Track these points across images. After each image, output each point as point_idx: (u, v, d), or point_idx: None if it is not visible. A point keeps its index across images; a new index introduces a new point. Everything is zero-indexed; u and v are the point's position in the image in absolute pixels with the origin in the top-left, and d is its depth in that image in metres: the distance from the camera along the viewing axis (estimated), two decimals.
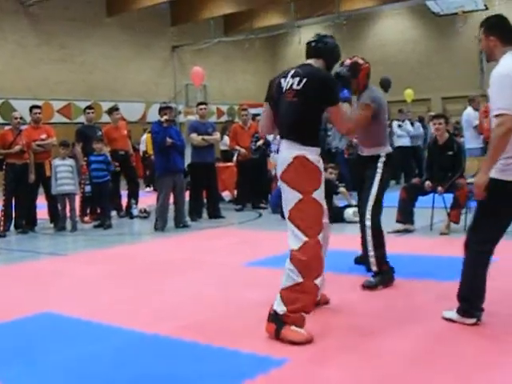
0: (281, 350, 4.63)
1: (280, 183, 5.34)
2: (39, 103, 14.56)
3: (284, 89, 5.33)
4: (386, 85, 18.91)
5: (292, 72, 5.36)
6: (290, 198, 5.24)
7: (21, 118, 12.36)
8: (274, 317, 5.03)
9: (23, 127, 12.44)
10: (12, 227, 12.17)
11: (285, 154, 5.24)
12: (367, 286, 6.48)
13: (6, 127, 12.47)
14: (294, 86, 5.25)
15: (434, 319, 5.34)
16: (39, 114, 12.63)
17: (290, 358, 4.46)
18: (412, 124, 19.20)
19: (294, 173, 5.16)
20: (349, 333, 5.12)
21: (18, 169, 11.95)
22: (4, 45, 23.36)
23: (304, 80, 5.22)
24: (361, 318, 5.53)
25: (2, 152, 11.73)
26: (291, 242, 5.20)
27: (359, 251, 7.27)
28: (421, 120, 20.58)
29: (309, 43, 5.64)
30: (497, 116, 4.73)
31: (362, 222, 6.83)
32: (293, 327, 4.91)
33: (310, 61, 5.52)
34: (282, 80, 5.38)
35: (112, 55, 27.79)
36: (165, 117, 11.84)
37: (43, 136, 12.41)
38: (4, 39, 23.35)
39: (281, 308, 4.99)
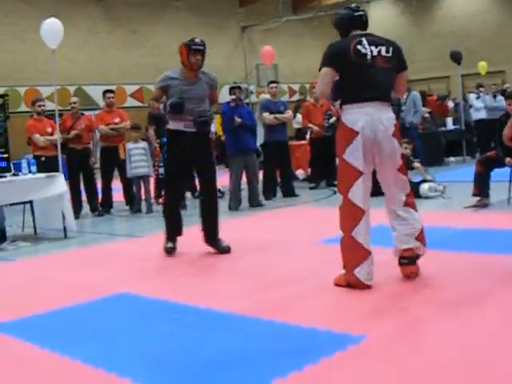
0: (358, 327, 4.58)
1: (388, 139, 5.71)
2: (112, 88, 14.67)
3: (369, 55, 5.67)
4: (456, 58, 18.57)
5: (366, 40, 5.72)
6: (398, 156, 5.82)
7: (74, 103, 12.60)
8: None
9: (86, 112, 12.64)
10: (88, 210, 12.35)
11: (387, 113, 5.78)
12: None
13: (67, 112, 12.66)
14: (383, 53, 5.74)
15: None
16: (112, 98, 12.77)
17: (367, 334, 4.41)
18: (494, 96, 18.74)
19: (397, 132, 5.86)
20: (428, 306, 5.04)
21: (79, 153, 12.19)
22: (75, 32, 23.57)
23: (391, 48, 5.80)
24: (440, 292, 5.44)
25: (63, 137, 11.91)
26: (401, 192, 5.84)
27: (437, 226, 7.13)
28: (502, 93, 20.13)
29: (362, 15, 5.97)
30: None
31: None
32: None
33: (366, 31, 5.92)
34: (359, 47, 5.65)
35: (182, 38, 27.49)
36: (232, 97, 11.86)
37: (117, 120, 12.55)
38: (75, 26, 23.57)
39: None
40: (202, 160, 7.95)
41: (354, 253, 5.66)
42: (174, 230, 8.08)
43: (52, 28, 10.73)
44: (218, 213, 8.05)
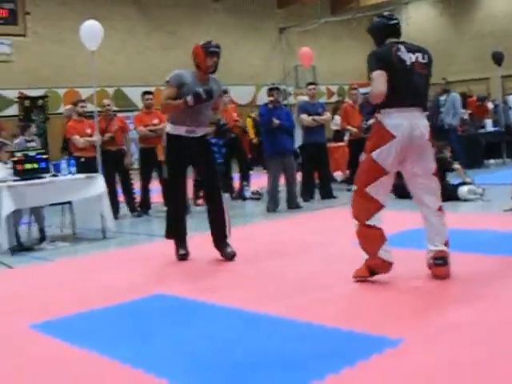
0: (396, 331, 4.55)
1: (424, 145, 5.99)
2: (150, 89, 14.75)
3: (408, 61, 5.89)
4: (498, 58, 18.40)
5: (404, 47, 5.95)
6: (433, 161, 6.11)
7: (108, 106, 12.75)
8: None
9: (124, 114, 12.75)
10: (127, 211, 12.43)
11: (424, 120, 6.03)
12: None
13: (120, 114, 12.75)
14: (421, 60, 5.98)
15: None
16: (151, 99, 12.86)
17: (405, 338, 4.38)
18: None
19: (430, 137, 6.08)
20: (467, 310, 5.00)
21: (113, 155, 12.29)
22: (114, 34, 23.70)
23: (426, 55, 6.04)
24: (478, 296, 5.39)
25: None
26: (434, 196, 6.09)
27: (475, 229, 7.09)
28: None
29: (396, 23, 6.20)
30: None
31: None
32: None
33: (401, 39, 6.14)
34: (399, 53, 5.88)
35: (220, 39, 27.38)
36: (269, 98, 11.88)
37: (155, 121, 12.61)
38: (114, 29, 23.71)
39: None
40: (203, 163, 7.89)
41: (373, 237, 6.00)
42: (182, 235, 8.04)
43: (91, 30, 10.84)
44: (226, 216, 7.92)
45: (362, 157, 6.19)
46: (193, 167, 8.28)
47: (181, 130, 7.59)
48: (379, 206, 6.02)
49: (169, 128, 7.72)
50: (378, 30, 6.20)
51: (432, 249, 6.03)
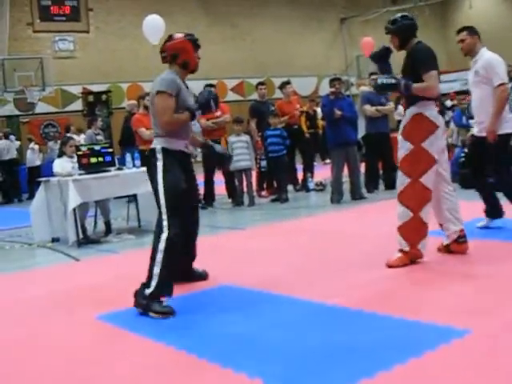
0: (463, 321, 4.49)
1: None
2: (213, 82, 14.80)
3: None
4: None
5: None
6: None
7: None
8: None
9: None
10: None
11: None
12: None
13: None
14: None
15: None
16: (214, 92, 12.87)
17: (472, 329, 4.32)
18: None
19: None
20: None
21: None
22: (175, 28, 23.63)
23: None
24: None
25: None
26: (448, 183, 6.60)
27: None
28: None
29: (416, 24, 6.71)
30: None
31: None
32: None
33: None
34: None
35: (282, 31, 27.92)
36: (331, 89, 11.83)
37: (217, 113, 12.63)
38: (175, 23, 23.79)
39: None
40: (193, 187, 6.77)
41: (420, 230, 6.33)
42: (172, 277, 5.76)
43: (153, 24, 10.94)
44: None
45: (406, 147, 6.39)
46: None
47: (180, 145, 6.04)
48: (431, 196, 6.35)
49: (163, 142, 5.94)
50: (409, 29, 6.62)
51: (455, 229, 6.54)
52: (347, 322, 4.83)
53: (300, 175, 14.24)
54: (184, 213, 5.91)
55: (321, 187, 13.64)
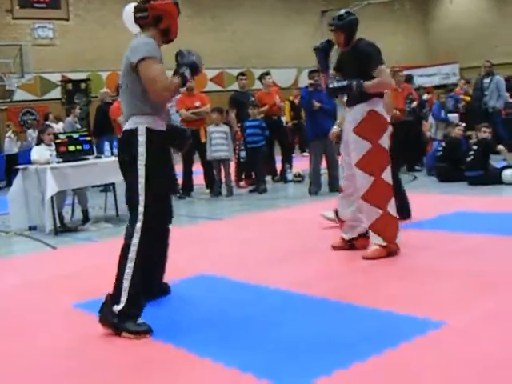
0: (439, 314, 4.52)
1: None
2: None
3: None
4: None
5: None
6: None
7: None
8: None
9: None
10: None
11: None
12: None
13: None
14: None
15: None
16: (192, 82, 12.86)
17: (448, 321, 4.35)
18: None
19: None
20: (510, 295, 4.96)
21: None
22: None
23: None
24: None
25: None
26: None
27: None
28: None
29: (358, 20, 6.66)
30: None
31: None
32: None
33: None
34: None
35: (263, 22, 27.92)
36: (310, 81, 11.85)
37: (197, 103, 12.64)
38: None
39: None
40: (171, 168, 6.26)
41: (393, 224, 6.41)
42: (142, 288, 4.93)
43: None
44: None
45: (364, 145, 6.39)
46: None
47: (161, 125, 5.14)
48: (392, 191, 6.47)
49: (147, 121, 4.97)
50: (355, 25, 6.57)
51: (365, 224, 6.57)
52: (324, 312, 4.85)
53: (279, 166, 14.26)
54: (162, 208, 5.23)
55: (299, 179, 13.67)
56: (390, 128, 6.67)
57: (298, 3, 28.87)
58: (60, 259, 7.93)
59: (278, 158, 14.30)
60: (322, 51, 6.79)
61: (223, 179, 12.49)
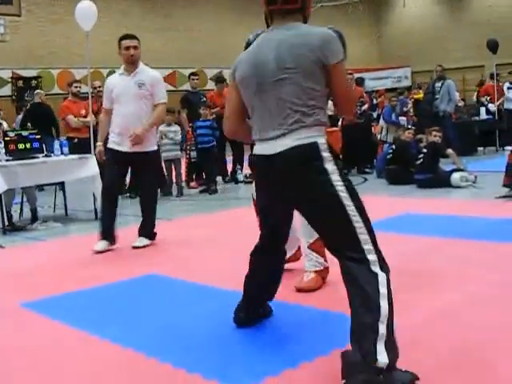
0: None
1: None
2: None
3: None
4: (493, 46, 18.45)
5: None
6: None
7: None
8: None
9: None
10: None
11: None
12: None
13: None
14: None
15: None
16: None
17: (396, 322, 4.40)
18: None
19: None
20: (454, 296, 5.03)
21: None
22: (109, 14, 23.64)
23: None
24: (468, 282, 5.42)
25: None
26: None
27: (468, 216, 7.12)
28: None
29: None
30: None
31: None
32: None
33: None
34: None
35: (216, 22, 27.92)
36: None
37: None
38: (109, 8, 23.66)
39: None
40: None
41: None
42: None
43: (86, 10, 10.78)
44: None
45: None
46: None
47: None
48: None
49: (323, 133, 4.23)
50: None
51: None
52: (273, 313, 4.87)
53: (229, 167, 14.28)
54: None
55: (250, 179, 13.68)
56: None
57: (252, 4, 28.83)
58: (8, 258, 7.85)
59: (229, 159, 14.32)
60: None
61: (174, 179, 12.47)
